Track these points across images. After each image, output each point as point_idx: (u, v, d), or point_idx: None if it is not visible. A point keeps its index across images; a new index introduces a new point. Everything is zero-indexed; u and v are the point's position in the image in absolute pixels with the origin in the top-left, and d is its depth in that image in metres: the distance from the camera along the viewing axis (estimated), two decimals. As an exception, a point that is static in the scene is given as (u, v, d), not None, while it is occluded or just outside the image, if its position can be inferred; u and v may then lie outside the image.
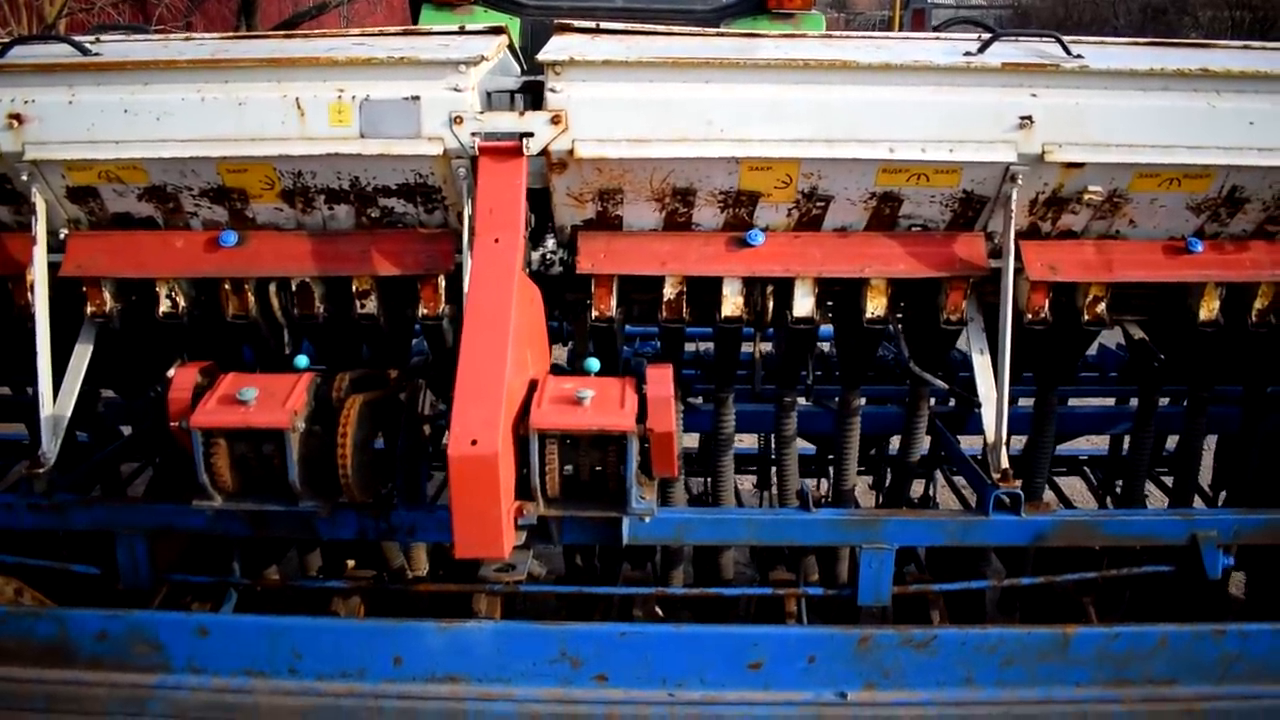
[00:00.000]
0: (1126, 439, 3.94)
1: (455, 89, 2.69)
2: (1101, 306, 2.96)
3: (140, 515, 2.98)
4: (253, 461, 2.61)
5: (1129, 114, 2.77)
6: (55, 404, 2.89)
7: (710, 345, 3.94)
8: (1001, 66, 2.75)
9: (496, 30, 3.00)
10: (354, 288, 2.90)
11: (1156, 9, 23.86)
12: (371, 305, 2.91)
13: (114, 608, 2.81)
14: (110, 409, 3.86)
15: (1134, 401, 3.67)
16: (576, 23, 2.99)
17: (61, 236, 2.94)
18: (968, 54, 2.80)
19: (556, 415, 2.43)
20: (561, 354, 4.01)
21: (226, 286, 2.92)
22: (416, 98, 2.69)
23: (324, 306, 2.93)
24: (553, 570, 3.85)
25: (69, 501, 2.97)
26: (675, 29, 3.05)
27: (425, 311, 2.88)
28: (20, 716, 2.67)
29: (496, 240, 2.57)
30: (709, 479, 3.56)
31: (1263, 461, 3.60)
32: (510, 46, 3.15)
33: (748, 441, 4.68)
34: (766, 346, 3.94)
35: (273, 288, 2.92)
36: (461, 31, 3.02)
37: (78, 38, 2.91)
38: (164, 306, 2.93)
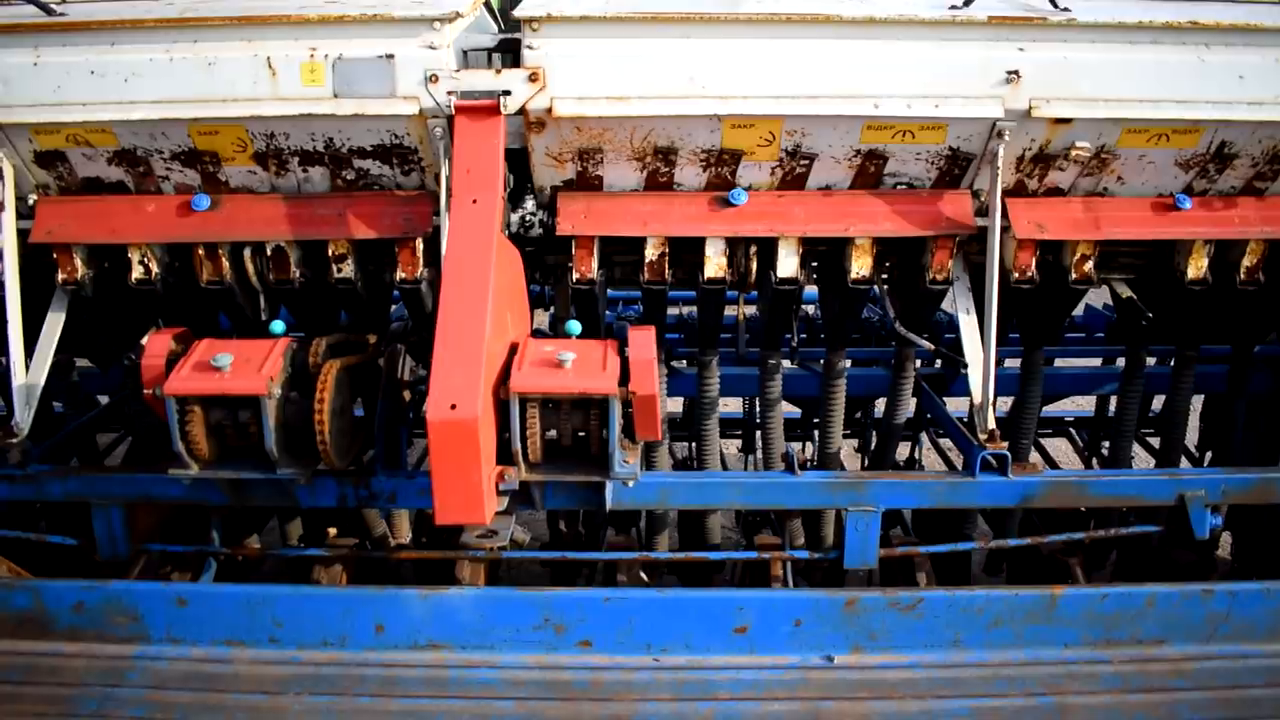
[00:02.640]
0: (1113, 400, 3.93)
1: (430, 47, 2.63)
2: (1089, 265, 2.93)
3: (116, 485, 2.93)
4: (229, 429, 2.57)
5: (1117, 68, 2.72)
6: (28, 373, 2.85)
7: (694, 308, 3.90)
8: (988, 20, 2.70)
9: (472, -13, 2.93)
10: (330, 251, 2.85)
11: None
12: (348, 269, 2.86)
13: (92, 578, 2.78)
14: (86, 378, 3.80)
15: (1120, 362, 3.64)
16: (554, -22, 2.92)
17: (30, 203, 2.88)
18: (953, 7, 2.75)
19: (537, 378, 2.39)
20: (544, 319, 3.97)
21: (200, 251, 2.87)
22: (391, 56, 2.63)
23: (300, 271, 2.88)
24: (537, 536, 3.82)
25: (44, 472, 2.93)
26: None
27: (403, 275, 2.83)
28: (-3, 688, 2.64)
29: (474, 201, 2.52)
30: (693, 443, 3.52)
31: (1249, 420, 3.59)
32: (487, 4, 3.08)
33: (733, 405, 4.65)
34: (750, 309, 3.90)
35: (247, 252, 2.87)
36: (436, -12, 2.94)
37: (42, -3, 2.83)
38: (137, 273, 2.88)
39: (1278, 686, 2.73)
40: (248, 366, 2.53)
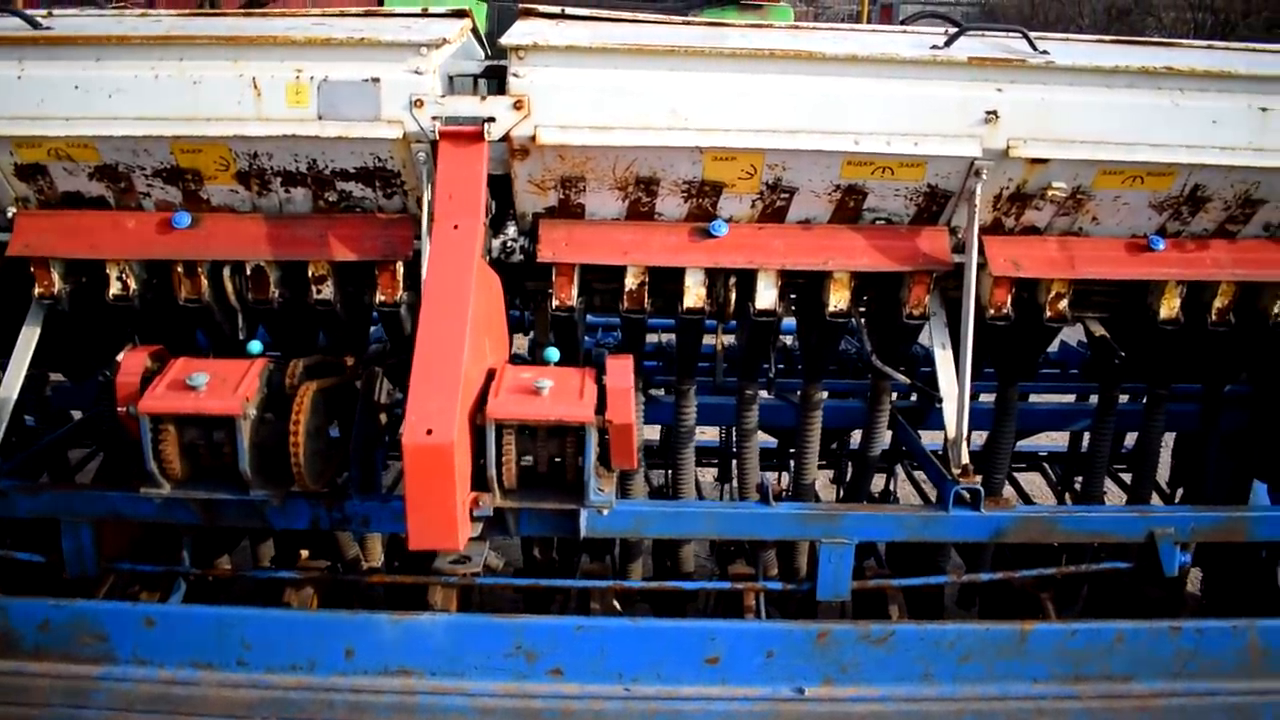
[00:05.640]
0: (1086, 435, 3.96)
1: (416, 71, 2.64)
2: (1064, 303, 2.97)
3: (86, 502, 2.90)
4: (203, 449, 2.56)
5: (1094, 110, 2.77)
6: (1, 387, 2.82)
7: (672, 336, 3.91)
8: (968, 61, 2.74)
9: (459, 13, 2.95)
10: (310, 273, 2.85)
11: (1121, 10, 24.08)
12: (328, 291, 2.86)
13: (59, 597, 2.75)
14: (59, 393, 3.77)
15: (1094, 398, 3.67)
16: (541, 7, 2.95)
17: (9, 215, 2.87)
18: (934, 47, 2.79)
19: (514, 405, 2.40)
20: (524, 344, 3.97)
21: (179, 269, 2.86)
22: (376, 80, 2.64)
23: (279, 291, 2.88)
24: (511, 562, 3.81)
25: (13, 487, 2.90)
26: (642, 16, 3.02)
27: (383, 298, 2.83)
28: (-41, 708, 2.61)
29: (456, 226, 2.53)
30: (669, 471, 3.53)
31: (1220, 459, 3.62)
32: (474, 31, 3.09)
33: (710, 434, 4.65)
34: (729, 339, 3.91)
35: (227, 271, 2.86)
36: (424, 14, 2.96)
37: (29, 11, 2.83)
38: (114, 289, 2.87)
39: (1243, 724, 2.76)
40: (223, 386, 2.52)
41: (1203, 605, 3.96)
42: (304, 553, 3.28)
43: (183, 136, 2.69)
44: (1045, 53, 2.81)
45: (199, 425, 2.54)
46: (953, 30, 2.90)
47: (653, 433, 4.18)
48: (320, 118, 2.65)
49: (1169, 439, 3.92)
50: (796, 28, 3.16)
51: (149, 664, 2.68)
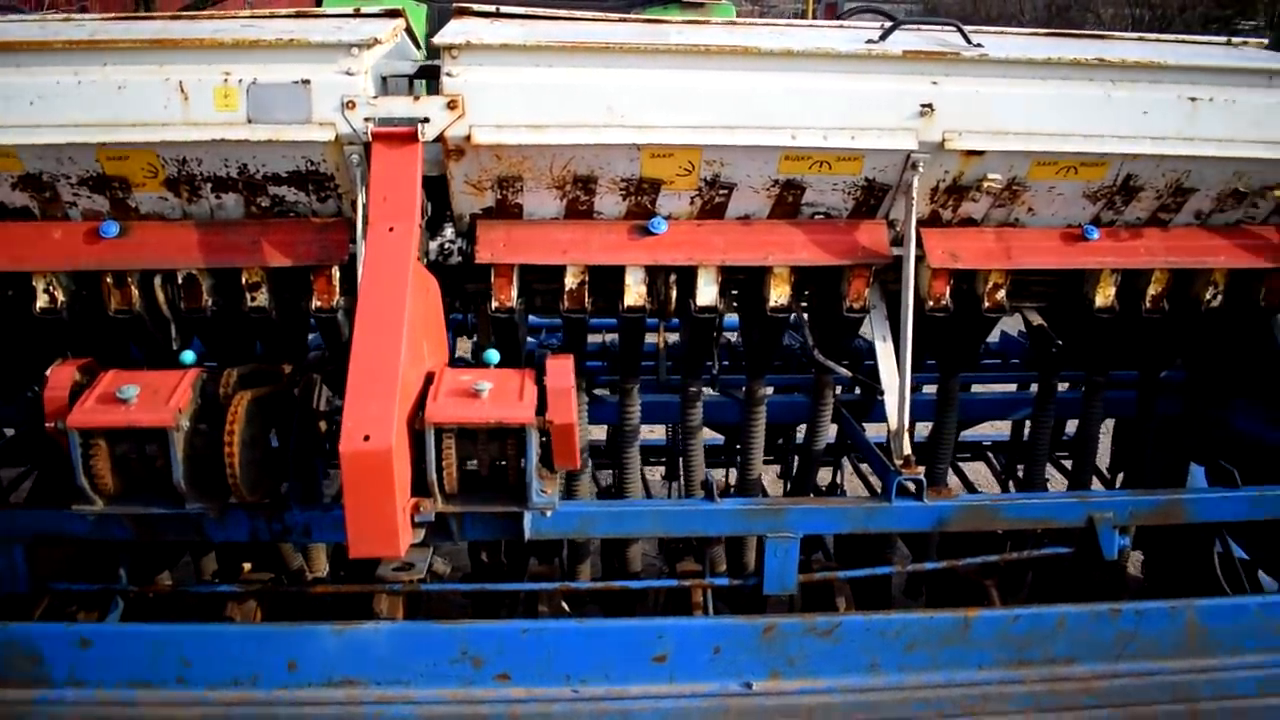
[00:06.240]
0: (1028, 424, 4.00)
1: (347, 73, 2.60)
2: (1001, 293, 3.00)
3: (17, 521, 2.83)
4: (134, 463, 2.50)
5: (1027, 102, 2.80)
6: (-74, 406, 2.75)
7: (615, 336, 3.90)
8: (903, 54, 2.75)
9: (393, 13, 2.91)
10: (244, 280, 2.80)
11: (1060, 6, 24.45)
12: (263, 298, 2.81)
13: (-8, 619, 2.68)
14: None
15: (1034, 387, 3.72)
16: (476, 6, 2.92)
17: (-69, 228, 2.78)
18: (870, 41, 2.80)
19: (453, 408, 2.37)
20: (469, 347, 3.94)
21: (108, 280, 2.79)
22: (307, 81, 2.59)
23: (212, 300, 2.82)
24: (459, 567, 3.78)
25: None
26: (578, 14, 3.00)
27: (319, 304, 2.79)
28: (-113, 736, 2.53)
29: (391, 229, 2.49)
30: (616, 471, 3.52)
31: (1157, 444, 3.68)
32: (409, 31, 3.06)
33: (658, 433, 4.65)
34: (672, 336, 3.91)
35: (158, 280, 2.79)
36: (356, 14, 2.92)
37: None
38: (41, 301, 2.79)
39: (1183, 702, 2.81)
40: (155, 398, 2.46)
41: (1144, 587, 4.03)
42: (247, 566, 3.23)
43: (108, 143, 2.62)
44: (979, 46, 2.83)
45: (130, 439, 2.48)
46: (888, 24, 2.92)
47: (600, 433, 4.16)
48: (250, 121, 2.60)
49: (1109, 425, 3.98)
50: (733, 23, 3.16)
51: (86, 685, 2.62)
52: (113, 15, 2.99)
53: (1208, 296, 3.09)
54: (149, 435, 2.46)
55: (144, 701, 2.58)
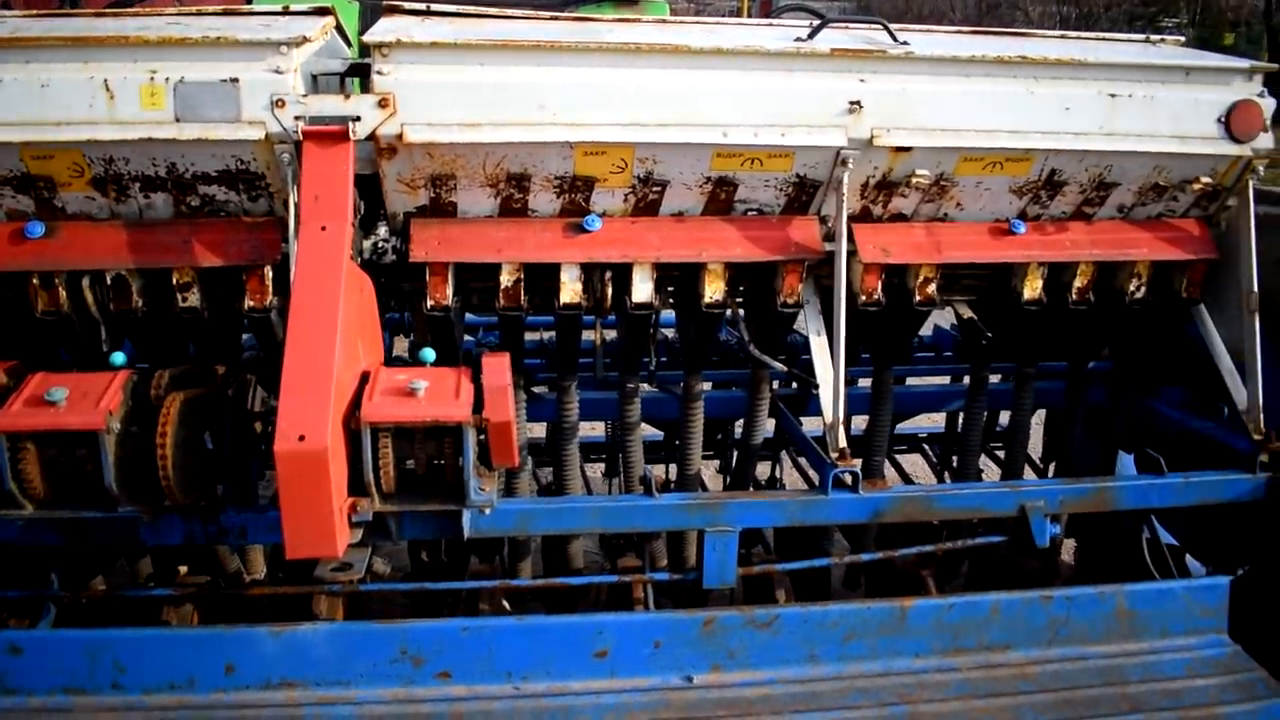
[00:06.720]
0: (961, 416, 4.07)
1: (276, 71, 2.58)
2: (932, 287, 3.05)
3: (-59, 529, 2.77)
4: (64, 467, 2.46)
5: (953, 99, 2.86)
6: None
7: (553, 333, 3.91)
8: (830, 52, 2.79)
9: (322, 11, 2.90)
10: (174, 280, 2.76)
11: (990, 4, 24.83)
12: (194, 299, 2.78)
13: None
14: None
15: (967, 379, 3.78)
16: (406, 4, 2.91)
17: None
18: (798, 39, 2.84)
19: (389, 407, 2.36)
20: (405, 346, 3.91)
21: (35, 281, 2.74)
22: (235, 80, 2.57)
23: (142, 301, 2.78)
24: (400, 567, 3.76)
25: None
26: (510, 12, 3.00)
27: (252, 304, 2.76)
28: None
29: (323, 228, 2.48)
30: (555, 468, 3.52)
31: (1086, 433, 3.77)
32: (339, 28, 3.04)
33: (598, 430, 4.66)
34: (609, 333, 3.92)
35: (86, 281, 2.75)
36: (285, 12, 2.90)
37: None
38: (-36, 304, 2.74)
39: (1115, 686, 2.88)
40: (84, 400, 2.42)
41: (1077, 574, 4.12)
42: (183, 569, 3.18)
43: (32, 142, 2.58)
44: (905, 44, 2.88)
45: (60, 442, 2.44)
46: (817, 22, 2.96)
47: (539, 430, 4.16)
48: (178, 120, 2.58)
49: (1040, 416, 4.06)
50: (665, 22, 3.18)
51: (17, 693, 2.57)
52: (36, 13, 2.93)
53: (1132, 288, 3.17)
54: (79, 438, 2.42)
55: (79, 708, 2.54)
